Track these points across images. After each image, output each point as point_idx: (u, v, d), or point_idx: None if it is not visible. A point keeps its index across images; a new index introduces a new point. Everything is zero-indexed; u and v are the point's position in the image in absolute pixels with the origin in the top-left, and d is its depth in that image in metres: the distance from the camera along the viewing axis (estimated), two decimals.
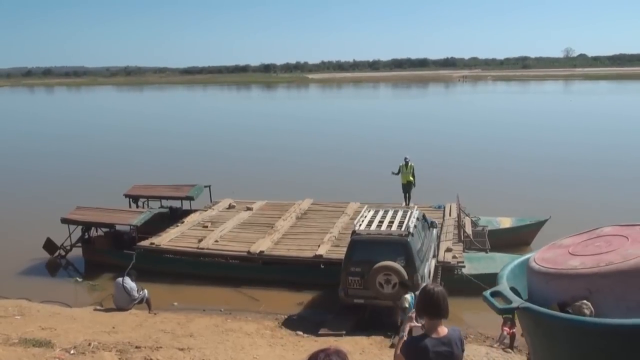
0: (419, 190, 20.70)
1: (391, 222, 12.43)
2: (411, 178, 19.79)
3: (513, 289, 4.22)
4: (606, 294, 3.72)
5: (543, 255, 4.39)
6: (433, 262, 13.50)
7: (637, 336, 3.42)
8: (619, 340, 3.50)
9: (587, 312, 3.75)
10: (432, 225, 14.43)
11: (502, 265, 13.35)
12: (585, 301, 3.77)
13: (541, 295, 4.07)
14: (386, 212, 13.28)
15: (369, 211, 13.40)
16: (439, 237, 15.33)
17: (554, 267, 4.08)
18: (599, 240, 4.19)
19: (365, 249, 11.76)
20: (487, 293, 4.15)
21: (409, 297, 10.38)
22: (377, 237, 11.88)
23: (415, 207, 13.95)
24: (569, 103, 67.53)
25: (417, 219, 12.80)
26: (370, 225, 12.31)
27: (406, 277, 11.32)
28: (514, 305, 3.96)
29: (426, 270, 12.20)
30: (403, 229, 11.88)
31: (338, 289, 12.13)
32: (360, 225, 12.31)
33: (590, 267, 3.88)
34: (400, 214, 13.06)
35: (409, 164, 19.96)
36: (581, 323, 3.65)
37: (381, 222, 12.50)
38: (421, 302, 4.23)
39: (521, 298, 4.13)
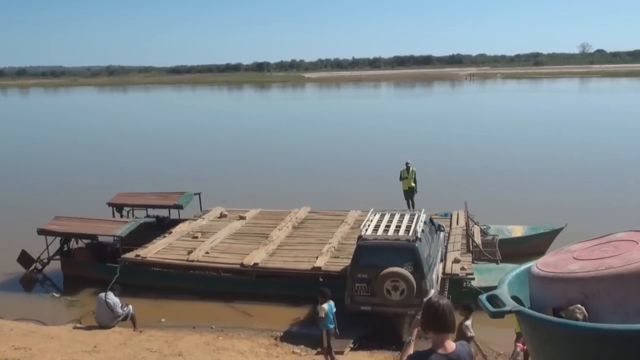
0: (423, 196, 20.74)
1: (398, 227, 12.84)
2: (413, 184, 19.77)
3: (516, 298, 4.33)
4: (603, 299, 3.83)
5: (546, 260, 4.52)
6: (440, 267, 13.89)
7: (631, 342, 3.52)
8: (613, 345, 3.61)
9: (579, 316, 3.86)
10: (439, 228, 14.89)
11: None
12: (578, 305, 3.88)
13: (538, 300, 4.21)
14: (393, 215, 13.69)
15: (374, 215, 13.77)
16: (446, 246, 15.40)
17: (553, 271, 4.21)
18: (607, 246, 4.29)
19: (371, 254, 12.19)
20: (483, 297, 4.28)
21: (326, 306, 10.71)
22: (384, 242, 12.30)
23: (423, 210, 14.19)
24: (584, 102, 67.77)
25: (425, 222, 13.25)
26: (377, 230, 12.73)
27: (414, 283, 11.71)
28: (506, 308, 4.10)
29: (434, 276, 12.59)
30: (410, 233, 12.30)
31: (344, 295, 12.41)
32: (366, 229, 12.72)
33: (587, 270, 3.99)
34: (407, 217, 13.44)
35: (411, 168, 19.95)
36: (571, 327, 3.78)
37: (388, 226, 12.93)
38: (426, 315, 4.25)
39: (523, 305, 4.25)
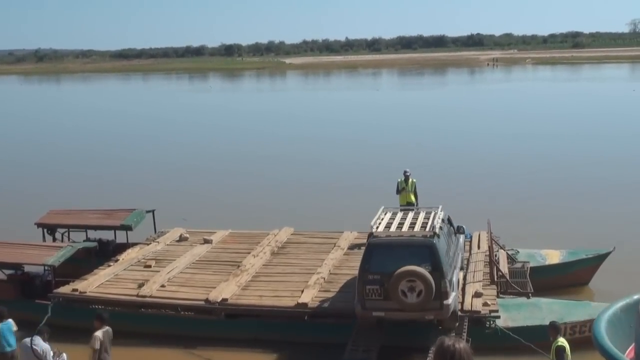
0: None
1: (413, 224, 14.02)
2: (413, 198, 19.80)
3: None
4: None
5: None
6: (461, 275, 14.90)
7: None
8: None
9: None
10: (458, 230, 15.83)
11: (549, 314, 13.40)
12: None
13: None
14: (406, 213, 14.77)
15: (386, 213, 14.78)
16: (465, 276, 15.48)
17: None
18: None
19: (384, 253, 13.24)
20: None
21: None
22: (398, 239, 13.45)
23: (440, 207, 14.91)
24: (632, 93, 68.26)
25: (443, 220, 14.28)
26: (390, 227, 13.84)
27: (433, 283, 12.52)
28: None
29: (455, 279, 13.49)
30: (428, 229, 13.41)
31: (354, 301, 13.29)
32: (377, 227, 13.80)
33: None
34: (422, 214, 14.51)
35: (410, 179, 19.92)
36: None
37: (401, 223, 14.12)
38: None
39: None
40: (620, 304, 4.69)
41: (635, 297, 4.57)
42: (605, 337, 4.31)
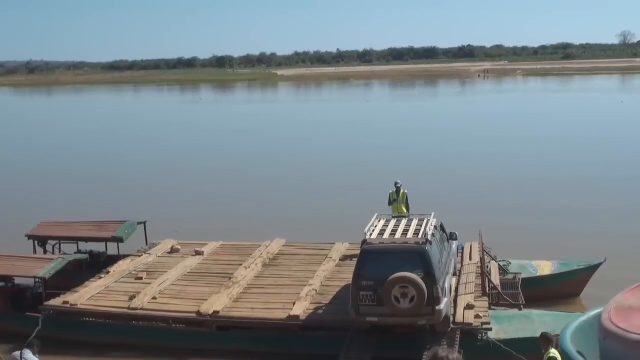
0: None
1: (406, 231, 14.29)
2: (404, 209, 19.83)
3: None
4: None
5: (625, 314, 4.26)
6: (454, 281, 15.22)
7: None
8: None
9: None
10: (451, 237, 16.14)
11: (541, 326, 13.50)
12: None
13: None
14: (399, 220, 15.06)
15: (379, 220, 15.05)
16: (457, 288, 15.50)
17: None
18: None
19: (378, 260, 13.58)
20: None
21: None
22: (391, 246, 13.81)
23: (433, 214, 15.09)
24: (620, 105, 68.63)
25: (435, 227, 14.64)
26: (383, 234, 14.20)
27: (425, 289, 12.89)
28: None
29: (447, 285, 13.75)
30: (420, 236, 13.70)
31: (348, 307, 13.59)
32: (371, 234, 14.14)
33: None
34: (415, 222, 14.74)
35: (402, 190, 19.95)
36: None
37: (394, 230, 14.42)
38: None
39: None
40: (594, 313, 4.69)
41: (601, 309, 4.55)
42: (569, 342, 4.31)
